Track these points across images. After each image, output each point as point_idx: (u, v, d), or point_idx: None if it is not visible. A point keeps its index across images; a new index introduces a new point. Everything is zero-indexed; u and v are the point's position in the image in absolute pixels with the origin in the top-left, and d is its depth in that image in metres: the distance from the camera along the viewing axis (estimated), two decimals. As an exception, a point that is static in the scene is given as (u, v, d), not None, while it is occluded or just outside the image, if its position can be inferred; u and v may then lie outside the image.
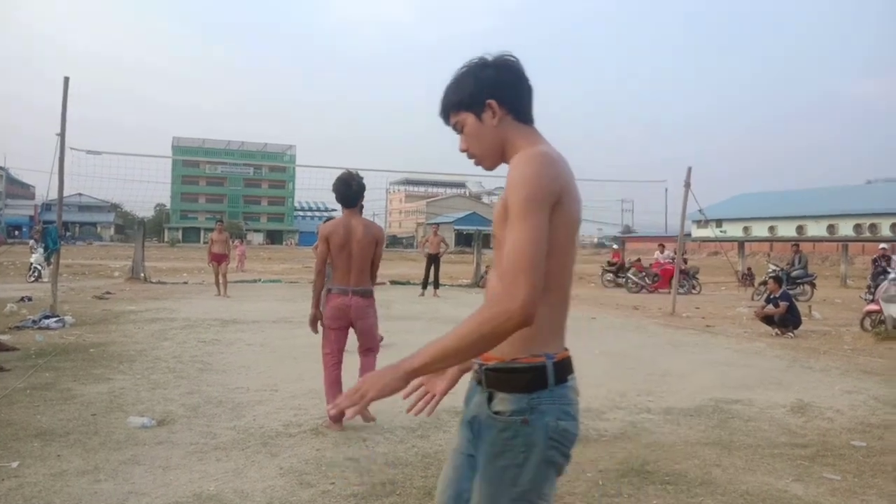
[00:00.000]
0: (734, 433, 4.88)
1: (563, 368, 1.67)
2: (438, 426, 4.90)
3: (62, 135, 10.52)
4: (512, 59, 1.76)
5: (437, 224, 19.63)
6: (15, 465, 3.87)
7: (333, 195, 4.99)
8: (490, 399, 1.65)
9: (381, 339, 5.87)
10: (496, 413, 1.62)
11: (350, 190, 4.91)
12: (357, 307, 4.90)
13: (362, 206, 5.15)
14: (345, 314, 4.89)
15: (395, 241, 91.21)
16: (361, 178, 5.01)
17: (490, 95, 1.71)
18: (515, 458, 1.60)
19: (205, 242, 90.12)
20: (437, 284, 16.58)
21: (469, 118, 1.74)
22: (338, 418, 4.61)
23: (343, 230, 4.85)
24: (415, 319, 11.62)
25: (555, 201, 1.57)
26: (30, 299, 12.58)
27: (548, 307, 1.59)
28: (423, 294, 16.04)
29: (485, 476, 1.66)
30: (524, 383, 1.60)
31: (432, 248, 16.48)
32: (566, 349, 1.70)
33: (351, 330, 5.04)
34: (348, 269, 4.87)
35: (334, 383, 4.92)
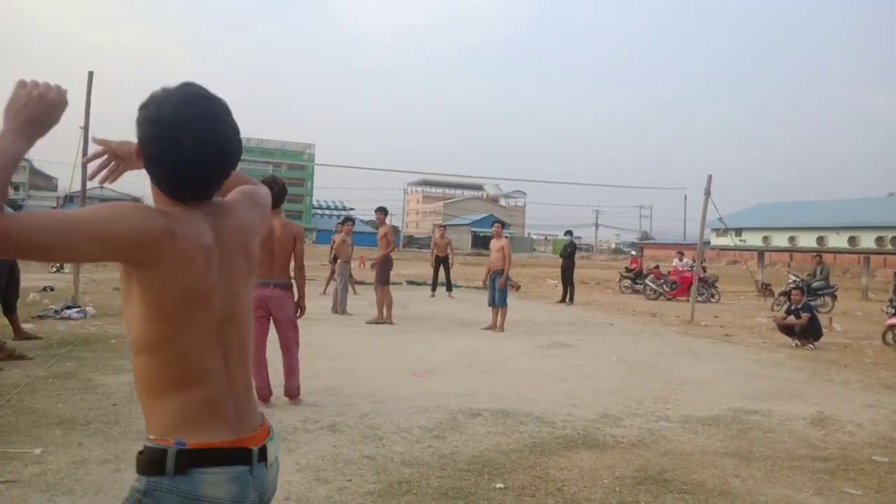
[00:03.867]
0: (753, 444, 4.83)
1: (194, 458, 1.42)
2: (455, 427, 4.90)
3: (86, 128, 10.67)
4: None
5: (444, 225, 19.49)
6: (38, 451, 3.92)
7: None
8: None
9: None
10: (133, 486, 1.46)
11: (271, 192, 5.17)
12: (277, 298, 5.41)
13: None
14: (265, 304, 5.37)
15: (411, 242, 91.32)
16: (283, 182, 5.50)
17: None
18: None
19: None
20: (449, 286, 16.62)
21: None
22: (265, 399, 5.28)
23: (265, 229, 5.14)
24: (431, 319, 11.63)
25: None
26: (52, 289, 12.76)
27: (179, 392, 1.45)
28: (433, 295, 16.08)
29: None
30: (142, 464, 1.43)
31: (440, 251, 16.55)
32: (225, 440, 1.45)
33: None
34: (270, 264, 5.37)
35: (260, 367, 5.27)
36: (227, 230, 1.56)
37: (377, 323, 10.55)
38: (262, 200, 1.83)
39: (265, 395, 5.29)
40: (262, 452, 1.54)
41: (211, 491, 1.44)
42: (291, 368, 5.50)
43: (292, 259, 5.56)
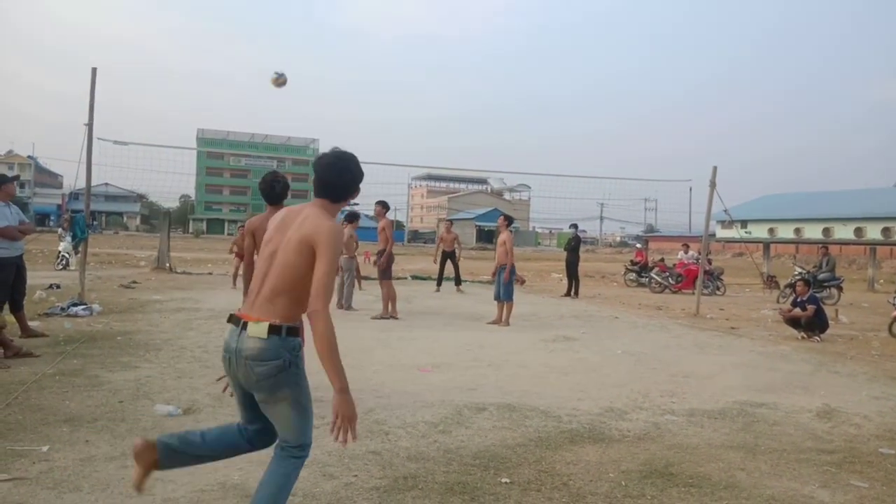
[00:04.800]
0: (759, 437, 4.83)
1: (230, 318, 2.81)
2: (460, 422, 4.91)
3: (90, 125, 10.67)
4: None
5: (451, 220, 19.42)
6: (45, 448, 3.94)
7: (260, 193, 5.43)
8: None
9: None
10: None
11: (274, 190, 5.34)
12: None
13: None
14: None
15: (416, 237, 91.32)
16: (286, 179, 5.47)
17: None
18: None
19: (230, 234, 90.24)
20: (458, 280, 16.64)
21: None
22: None
23: (267, 225, 5.19)
24: (436, 314, 11.63)
25: None
26: (58, 287, 12.80)
27: None
28: (437, 290, 16.07)
29: None
30: None
31: (447, 246, 16.57)
32: (239, 312, 2.81)
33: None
34: None
35: None
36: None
37: (382, 318, 10.56)
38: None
39: None
40: (244, 326, 2.69)
41: (225, 334, 2.79)
42: None
43: None
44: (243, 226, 6.89)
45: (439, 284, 16.49)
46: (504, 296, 10.54)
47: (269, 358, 2.65)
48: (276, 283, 2.72)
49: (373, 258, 14.92)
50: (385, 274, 10.83)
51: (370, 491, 3.54)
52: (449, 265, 16.60)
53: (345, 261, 12.29)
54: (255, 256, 5.39)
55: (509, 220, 11.42)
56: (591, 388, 6.23)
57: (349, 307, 11.62)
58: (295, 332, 2.77)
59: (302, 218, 2.82)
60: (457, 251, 16.67)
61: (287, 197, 5.46)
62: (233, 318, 2.75)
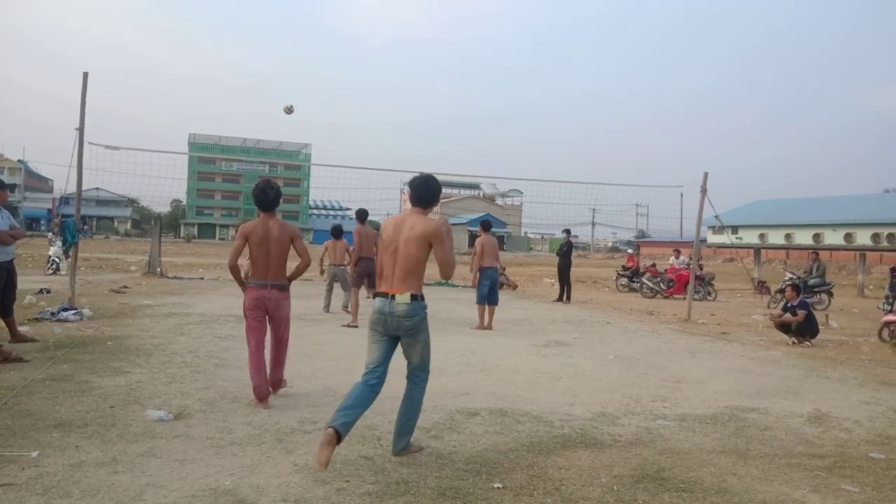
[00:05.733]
0: (750, 442, 4.84)
1: (376, 294, 4.25)
2: (452, 427, 4.90)
3: (81, 129, 10.61)
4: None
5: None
6: (35, 454, 3.91)
7: (253, 200, 5.51)
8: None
9: None
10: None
11: (267, 196, 5.43)
12: (274, 299, 5.40)
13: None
14: (262, 305, 5.37)
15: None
16: (278, 186, 5.55)
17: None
18: None
19: (221, 238, 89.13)
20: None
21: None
22: (264, 397, 5.27)
23: (261, 230, 5.36)
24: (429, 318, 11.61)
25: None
26: (48, 291, 12.73)
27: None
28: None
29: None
30: None
31: None
32: (380, 290, 4.22)
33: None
34: (266, 266, 5.35)
35: (259, 366, 5.31)
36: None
37: (350, 326, 10.20)
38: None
39: (264, 395, 5.29)
40: (393, 297, 4.09)
41: (375, 304, 4.21)
42: (278, 361, 5.60)
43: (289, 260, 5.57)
44: None
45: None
46: (477, 299, 10.68)
47: (414, 315, 4.11)
48: (404, 268, 4.11)
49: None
50: (354, 281, 10.71)
51: (362, 496, 3.53)
52: None
53: (338, 270, 12.19)
54: (247, 259, 5.43)
55: (484, 226, 11.33)
56: (582, 393, 6.24)
57: (346, 310, 11.57)
58: (423, 297, 4.18)
59: (411, 223, 4.17)
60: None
61: (279, 203, 5.50)
62: (380, 294, 4.17)
